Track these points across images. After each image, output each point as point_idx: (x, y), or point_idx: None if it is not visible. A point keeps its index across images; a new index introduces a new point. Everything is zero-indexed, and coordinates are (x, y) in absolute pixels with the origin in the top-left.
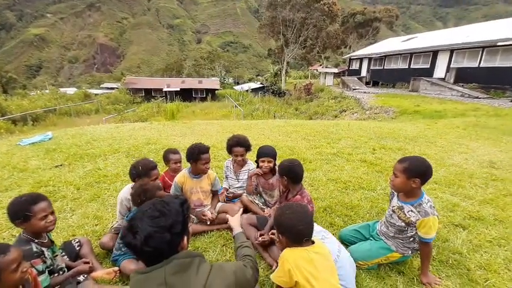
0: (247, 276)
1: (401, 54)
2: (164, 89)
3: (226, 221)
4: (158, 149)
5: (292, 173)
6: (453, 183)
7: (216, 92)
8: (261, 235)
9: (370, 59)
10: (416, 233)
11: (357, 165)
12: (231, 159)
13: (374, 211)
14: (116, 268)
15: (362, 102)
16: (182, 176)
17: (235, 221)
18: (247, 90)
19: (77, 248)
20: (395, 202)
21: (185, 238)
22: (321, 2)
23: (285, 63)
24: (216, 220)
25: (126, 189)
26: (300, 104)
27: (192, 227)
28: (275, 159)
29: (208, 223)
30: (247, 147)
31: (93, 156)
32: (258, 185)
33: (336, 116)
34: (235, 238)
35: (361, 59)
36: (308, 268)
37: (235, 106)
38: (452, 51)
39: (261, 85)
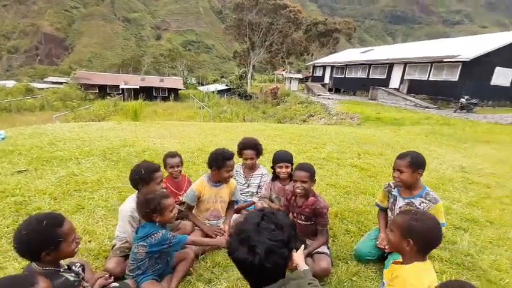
0: None
1: (360, 64)
2: (121, 86)
3: None
4: (138, 152)
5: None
6: (438, 187)
7: (179, 91)
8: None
9: (332, 67)
10: None
11: (349, 170)
12: (241, 163)
13: None
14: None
15: (328, 108)
16: (201, 184)
17: (300, 257)
18: (213, 92)
19: (82, 274)
20: (402, 203)
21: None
22: (287, 9)
23: (251, 66)
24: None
25: (130, 201)
26: (267, 107)
27: (194, 238)
28: (292, 164)
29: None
30: (259, 150)
31: (62, 159)
32: (271, 190)
33: (304, 121)
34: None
35: (324, 67)
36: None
37: (202, 107)
38: (405, 64)
39: (227, 87)
